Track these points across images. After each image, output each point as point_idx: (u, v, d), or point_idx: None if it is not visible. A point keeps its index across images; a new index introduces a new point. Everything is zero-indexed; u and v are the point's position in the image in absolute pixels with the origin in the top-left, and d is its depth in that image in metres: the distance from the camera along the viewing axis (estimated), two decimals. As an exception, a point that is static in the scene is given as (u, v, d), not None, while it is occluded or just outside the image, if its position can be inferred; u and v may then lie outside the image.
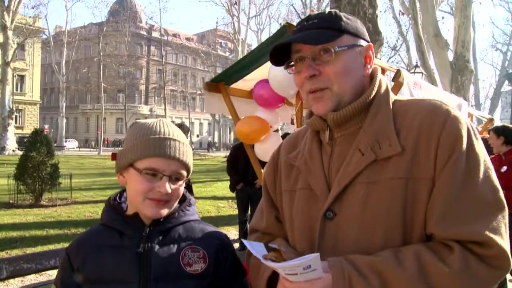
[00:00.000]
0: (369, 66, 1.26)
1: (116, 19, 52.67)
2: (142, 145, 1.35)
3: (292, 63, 1.27)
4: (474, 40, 12.42)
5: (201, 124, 73.41)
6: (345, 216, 1.16)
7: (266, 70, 4.12)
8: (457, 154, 1.09)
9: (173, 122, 1.49)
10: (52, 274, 4.91)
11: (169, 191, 1.33)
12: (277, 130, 4.97)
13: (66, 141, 46.99)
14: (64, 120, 44.82)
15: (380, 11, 6.87)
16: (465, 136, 1.11)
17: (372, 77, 1.29)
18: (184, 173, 1.40)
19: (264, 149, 4.49)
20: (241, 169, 6.92)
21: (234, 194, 7.68)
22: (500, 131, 5.34)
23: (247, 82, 4.89)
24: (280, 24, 40.95)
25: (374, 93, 1.24)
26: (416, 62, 14.35)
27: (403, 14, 18.69)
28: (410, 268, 1.03)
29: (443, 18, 23.67)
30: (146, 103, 64.62)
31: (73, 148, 49.76)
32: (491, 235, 1.03)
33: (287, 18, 42.84)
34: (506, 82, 33.18)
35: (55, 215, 9.20)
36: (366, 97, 1.22)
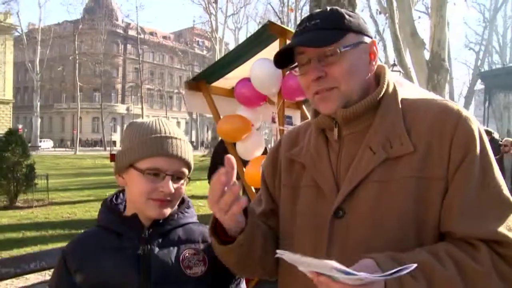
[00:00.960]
0: (374, 63, 1.24)
1: (91, 16, 51.91)
2: (143, 145, 1.32)
3: (296, 65, 1.25)
4: (448, 40, 12.65)
5: (178, 123, 72.72)
6: (355, 214, 1.14)
7: (248, 69, 4.11)
8: (472, 154, 1.09)
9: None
10: (30, 277, 4.81)
11: (173, 190, 1.31)
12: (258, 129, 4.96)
13: (40, 141, 46.06)
14: (39, 120, 43.90)
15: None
16: (477, 136, 1.12)
17: (378, 74, 1.28)
18: (186, 171, 1.38)
19: (246, 148, 4.48)
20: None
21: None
22: None
23: (228, 81, 4.87)
24: (259, 23, 41.17)
25: (383, 91, 1.23)
26: (394, 61, 14.54)
27: (380, 13, 18.92)
28: (450, 267, 1.02)
29: (419, 17, 24.09)
30: (122, 102, 63.84)
31: (48, 148, 48.80)
32: (510, 235, 1.04)
33: (264, 16, 43.01)
34: (479, 80, 33.95)
35: (32, 217, 9.02)
36: (376, 95, 1.21)
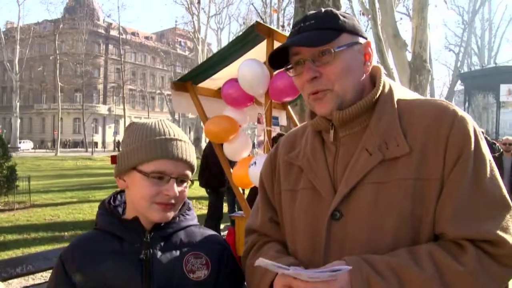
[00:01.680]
0: (368, 64, 1.24)
1: (72, 16, 51.09)
2: (147, 147, 1.29)
3: (291, 66, 1.25)
4: (429, 41, 12.83)
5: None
6: (353, 216, 1.15)
7: (235, 69, 4.10)
8: (466, 154, 1.10)
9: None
10: (13, 282, 4.72)
11: (177, 194, 1.29)
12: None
13: (20, 142, 45.25)
14: (18, 121, 43.05)
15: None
16: (472, 136, 1.12)
17: (373, 75, 1.28)
18: (190, 174, 1.36)
19: (233, 149, 4.47)
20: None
21: (197, 195, 7.54)
22: None
23: (215, 81, 4.85)
24: (243, 23, 41.13)
25: (379, 92, 1.23)
26: (377, 61, 14.68)
27: (363, 14, 19.06)
28: (427, 268, 1.03)
29: (401, 19, 24.35)
30: (104, 102, 63.06)
31: (28, 149, 47.93)
32: (503, 234, 1.05)
33: (247, 17, 43.02)
34: (459, 81, 34.52)
35: (13, 220, 8.87)
36: (372, 96, 1.21)
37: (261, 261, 1.04)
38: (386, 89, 1.25)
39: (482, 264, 1.04)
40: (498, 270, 1.05)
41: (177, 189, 1.29)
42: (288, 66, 1.27)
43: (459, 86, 39.51)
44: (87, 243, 1.36)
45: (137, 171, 1.30)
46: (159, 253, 1.31)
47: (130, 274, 1.27)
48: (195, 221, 1.46)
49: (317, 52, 1.18)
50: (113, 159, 1.37)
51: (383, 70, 1.29)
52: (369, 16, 15.43)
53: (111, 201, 1.43)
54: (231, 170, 4.47)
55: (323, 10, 1.24)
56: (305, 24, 1.20)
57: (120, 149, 1.38)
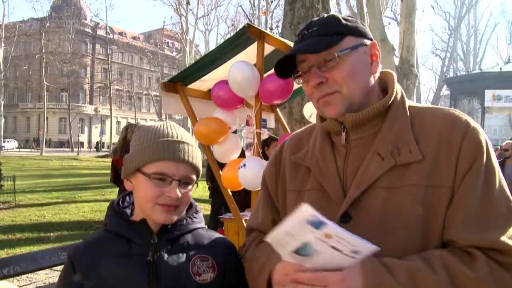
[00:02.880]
0: (375, 64, 1.25)
1: (59, 15, 50.48)
2: (150, 149, 1.30)
3: (300, 73, 1.26)
4: (416, 46, 12.97)
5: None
6: (362, 220, 1.15)
7: (225, 71, 4.11)
8: (478, 164, 1.11)
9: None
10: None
11: (179, 196, 1.29)
12: (235, 132, 4.96)
13: (4, 141, 44.66)
14: (2, 120, 42.52)
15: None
16: (484, 147, 1.14)
17: (385, 80, 1.29)
18: (194, 177, 1.35)
19: (223, 151, 4.47)
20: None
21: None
22: None
23: (204, 83, 4.85)
24: (232, 25, 41.09)
25: (392, 98, 1.24)
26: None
27: (351, 18, 19.25)
28: (440, 272, 1.03)
29: (389, 23, 24.55)
30: (91, 102, 62.50)
31: (12, 148, 47.34)
32: (511, 243, 1.06)
33: (235, 19, 43.06)
34: (445, 86, 34.91)
35: (-3, 220, 8.73)
36: (386, 101, 1.23)
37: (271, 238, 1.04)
38: (399, 96, 1.26)
39: (493, 271, 1.05)
40: (508, 278, 1.06)
41: (180, 191, 1.29)
42: (297, 74, 1.27)
43: (445, 91, 39.96)
44: (97, 244, 1.37)
45: (140, 173, 1.30)
46: (166, 256, 1.32)
47: (137, 276, 1.28)
48: (202, 224, 1.46)
49: (322, 58, 1.19)
50: (120, 161, 1.38)
51: (395, 76, 1.30)
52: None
53: (120, 202, 1.44)
54: (220, 172, 4.46)
55: (325, 15, 1.25)
56: (308, 31, 1.22)
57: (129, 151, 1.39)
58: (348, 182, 1.21)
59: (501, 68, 26.19)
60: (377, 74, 1.28)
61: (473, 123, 1.18)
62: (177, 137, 1.33)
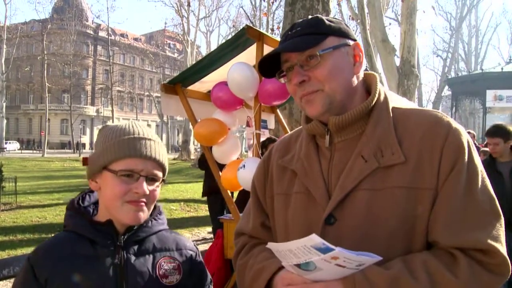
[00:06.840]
0: (358, 64, 1.26)
1: (61, 16, 50.62)
2: (116, 147, 1.29)
3: (284, 73, 1.28)
4: (418, 46, 12.96)
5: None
6: (346, 222, 1.16)
7: (224, 72, 4.13)
8: (460, 165, 1.12)
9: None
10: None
11: (147, 192, 1.29)
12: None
13: (6, 143, 44.71)
14: (4, 121, 42.60)
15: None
16: (466, 148, 1.14)
17: (368, 82, 1.30)
18: (160, 174, 1.35)
19: (222, 151, 4.49)
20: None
21: (185, 197, 7.46)
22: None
23: (204, 84, 4.87)
24: (233, 26, 41.13)
25: (375, 99, 1.25)
26: (366, 67, 14.79)
27: (352, 19, 19.19)
28: (421, 279, 1.04)
29: (390, 24, 24.54)
30: (92, 104, 62.55)
31: (14, 150, 47.41)
32: (494, 243, 1.07)
33: (236, 20, 43.08)
34: (447, 87, 34.88)
35: (-1, 221, 8.75)
36: (368, 103, 1.23)
37: (296, 242, 1.01)
38: (382, 97, 1.27)
39: (474, 273, 1.05)
40: (489, 278, 1.07)
41: (147, 187, 1.29)
42: (281, 74, 1.29)
43: (447, 91, 39.90)
44: (59, 246, 1.31)
45: (107, 171, 1.30)
46: (133, 258, 1.31)
47: (104, 279, 1.26)
48: (165, 226, 1.46)
49: (304, 57, 1.21)
50: (85, 160, 1.38)
51: (378, 78, 1.31)
52: (358, 20, 15.54)
53: (79, 201, 1.41)
54: (220, 173, 4.48)
55: (309, 17, 1.27)
56: (292, 32, 1.24)
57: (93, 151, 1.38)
58: (333, 184, 1.22)
59: (502, 68, 26.13)
60: (361, 75, 1.29)
61: (455, 124, 1.19)
62: (142, 134, 1.33)
